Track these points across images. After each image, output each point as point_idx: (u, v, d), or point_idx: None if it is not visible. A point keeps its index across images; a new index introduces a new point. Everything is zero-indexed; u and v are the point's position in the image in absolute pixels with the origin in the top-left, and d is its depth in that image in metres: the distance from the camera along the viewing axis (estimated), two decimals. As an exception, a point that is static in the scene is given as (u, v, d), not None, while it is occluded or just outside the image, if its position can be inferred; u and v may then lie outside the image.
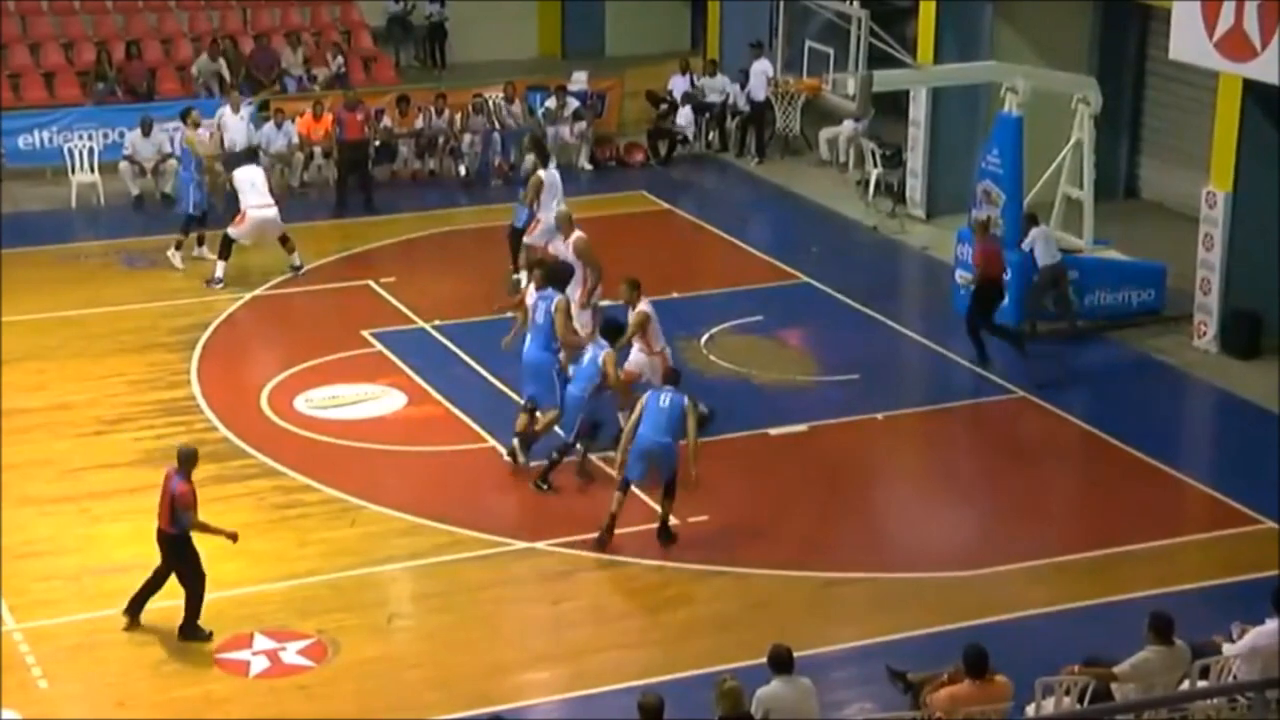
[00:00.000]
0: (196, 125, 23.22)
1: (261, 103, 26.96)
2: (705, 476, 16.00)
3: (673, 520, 15.80)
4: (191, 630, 14.21)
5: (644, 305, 17.48)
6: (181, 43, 28.85)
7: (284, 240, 22.21)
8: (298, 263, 22.22)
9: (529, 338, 17.35)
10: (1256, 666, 12.09)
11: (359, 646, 14.18)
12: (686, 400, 15.76)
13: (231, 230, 21.84)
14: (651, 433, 15.60)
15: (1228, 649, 12.46)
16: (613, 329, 17.26)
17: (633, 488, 15.75)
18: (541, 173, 21.08)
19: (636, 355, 17.45)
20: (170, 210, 24.94)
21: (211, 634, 14.20)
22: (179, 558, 14.17)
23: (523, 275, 20.68)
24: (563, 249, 19.28)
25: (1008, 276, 19.82)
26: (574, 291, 18.13)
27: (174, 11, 29.73)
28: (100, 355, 19.80)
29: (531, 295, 17.52)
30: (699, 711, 11.82)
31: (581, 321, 18.22)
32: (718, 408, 18.30)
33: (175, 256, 22.54)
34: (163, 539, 14.20)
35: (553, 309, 17.15)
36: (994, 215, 20.85)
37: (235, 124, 25.18)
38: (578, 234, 19.18)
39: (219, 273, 21.83)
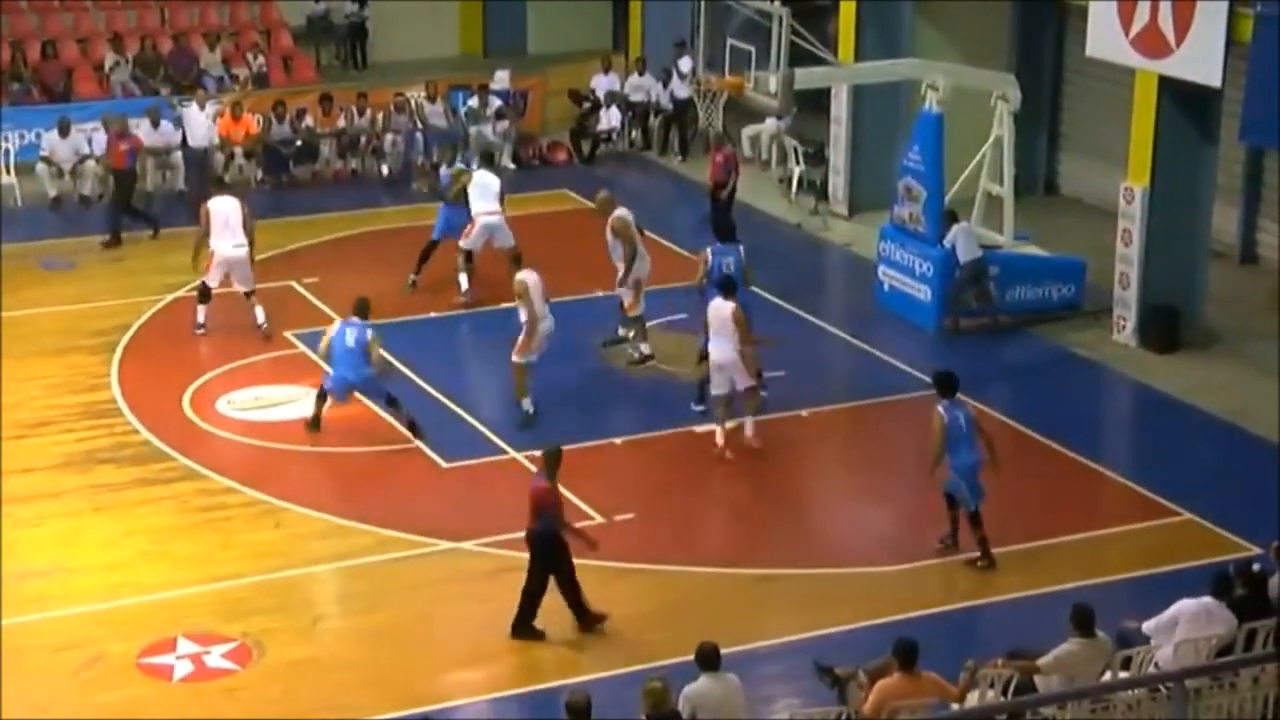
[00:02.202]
0: None
1: (179, 101, 26.81)
2: (631, 474, 16.02)
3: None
4: (525, 628, 14.16)
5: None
6: (99, 42, 28.53)
7: (248, 295, 20.20)
8: (260, 319, 20.18)
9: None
10: (1175, 635, 12.23)
11: (284, 649, 14.10)
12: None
13: (205, 277, 20.13)
14: None
15: (1147, 625, 12.60)
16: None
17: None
18: (476, 171, 21.42)
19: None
20: (88, 211, 24.84)
21: (544, 633, 14.15)
22: (545, 557, 14.08)
23: (463, 277, 21.01)
24: (507, 240, 20.82)
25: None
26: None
27: (91, 11, 29.42)
28: (19, 358, 19.56)
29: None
30: (627, 709, 11.83)
31: (625, 297, 19.37)
32: (642, 405, 18.39)
33: None
34: (529, 538, 14.16)
35: (743, 258, 18.37)
36: (914, 211, 21.02)
37: (201, 121, 24.87)
38: (616, 213, 19.65)
39: (200, 318, 20.22)
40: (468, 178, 21.34)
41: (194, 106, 25.10)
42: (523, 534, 15.56)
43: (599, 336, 20.37)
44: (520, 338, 17.82)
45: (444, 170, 22.26)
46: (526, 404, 17.99)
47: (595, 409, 18.81)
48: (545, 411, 18.73)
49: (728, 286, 17.51)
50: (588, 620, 14.23)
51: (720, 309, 17.18)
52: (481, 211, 21.03)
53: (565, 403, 18.90)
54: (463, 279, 21.19)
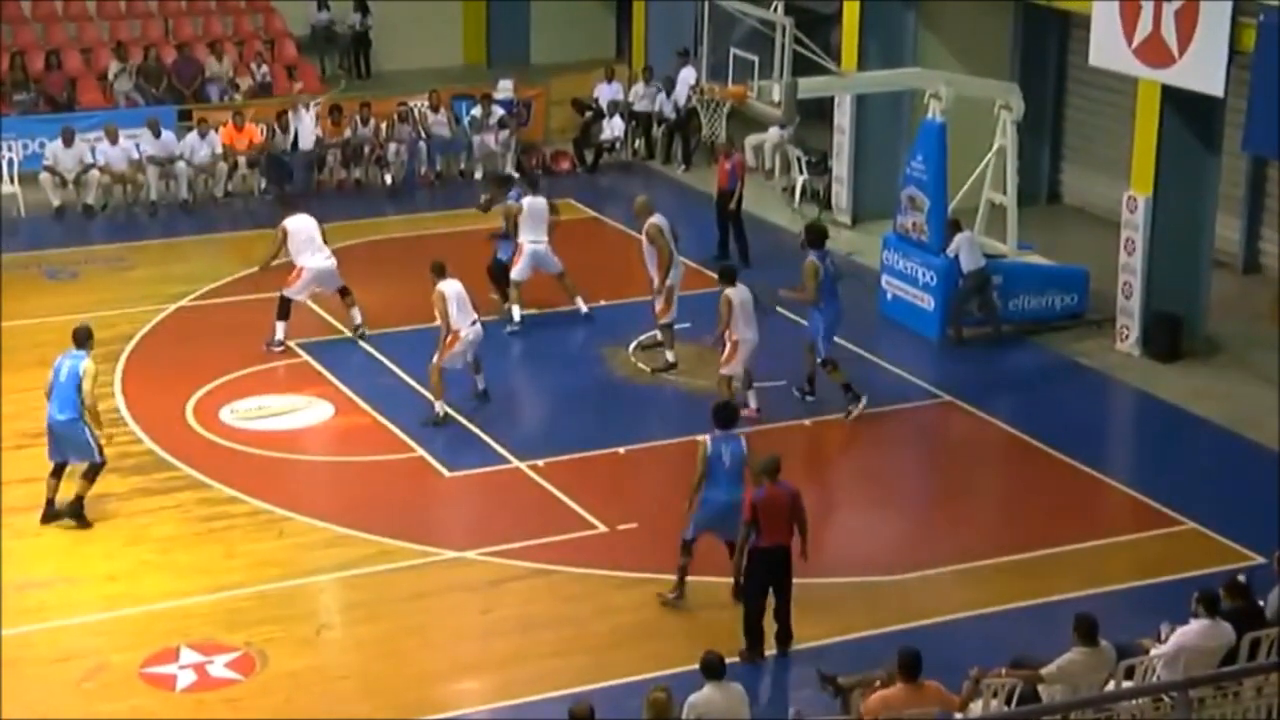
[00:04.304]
0: None
1: (183, 111, 26.90)
2: (634, 483, 16.00)
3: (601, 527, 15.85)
4: (787, 635, 14.13)
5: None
6: (102, 52, 28.60)
7: (344, 293, 20.46)
8: (358, 320, 20.42)
9: (830, 297, 18.58)
10: (1180, 667, 12.21)
11: (287, 658, 14.09)
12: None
13: (287, 290, 20.05)
14: None
15: (1154, 651, 12.58)
16: None
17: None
18: (525, 200, 20.90)
19: None
20: (92, 221, 24.88)
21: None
22: (787, 570, 13.99)
23: (515, 309, 20.53)
24: (554, 265, 20.70)
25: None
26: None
27: (95, 21, 29.47)
28: (21, 367, 19.55)
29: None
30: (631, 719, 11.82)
31: (657, 303, 19.52)
32: (646, 415, 18.37)
33: None
34: (788, 553, 13.94)
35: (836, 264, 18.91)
36: (918, 220, 21.01)
37: (308, 123, 25.34)
38: (650, 220, 19.70)
39: (280, 334, 20.04)
40: (518, 209, 20.84)
41: (302, 110, 25.57)
42: (517, 545, 15.65)
43: (603, 345, 20.39)
44: (442, 345, 18.17)
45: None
46: (440, 407, 18.16)
47: (599, 417, 18.81)
48: (549, 419, 18.78)
49: (731, 275, 18.29)
50: (787, 639, 14.15)
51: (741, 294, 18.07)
52: (529, 240, 20.65)
53: (569, 410, 18.93)
54: (515, 310, 20.69)
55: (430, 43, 31.88)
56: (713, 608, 14.78)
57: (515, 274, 20.77)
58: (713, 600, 14.92)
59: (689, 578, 14.97)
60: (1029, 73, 24.54)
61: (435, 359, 18.18)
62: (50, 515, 16.13)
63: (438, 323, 18.36)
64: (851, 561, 15.74)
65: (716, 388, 18.22)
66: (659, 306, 19.71)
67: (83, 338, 16.44)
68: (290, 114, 25.82)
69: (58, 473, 16.22)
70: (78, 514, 16.07)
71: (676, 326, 19.98)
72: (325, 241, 20.34)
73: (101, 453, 16.14)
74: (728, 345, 18.04)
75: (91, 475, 16.13)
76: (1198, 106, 19.55)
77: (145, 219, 25.20)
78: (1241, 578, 13.23)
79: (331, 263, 20.26)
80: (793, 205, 25.54)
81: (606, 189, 26.93)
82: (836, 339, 18.93)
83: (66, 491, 16.20)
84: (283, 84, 28.94)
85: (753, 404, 18.39)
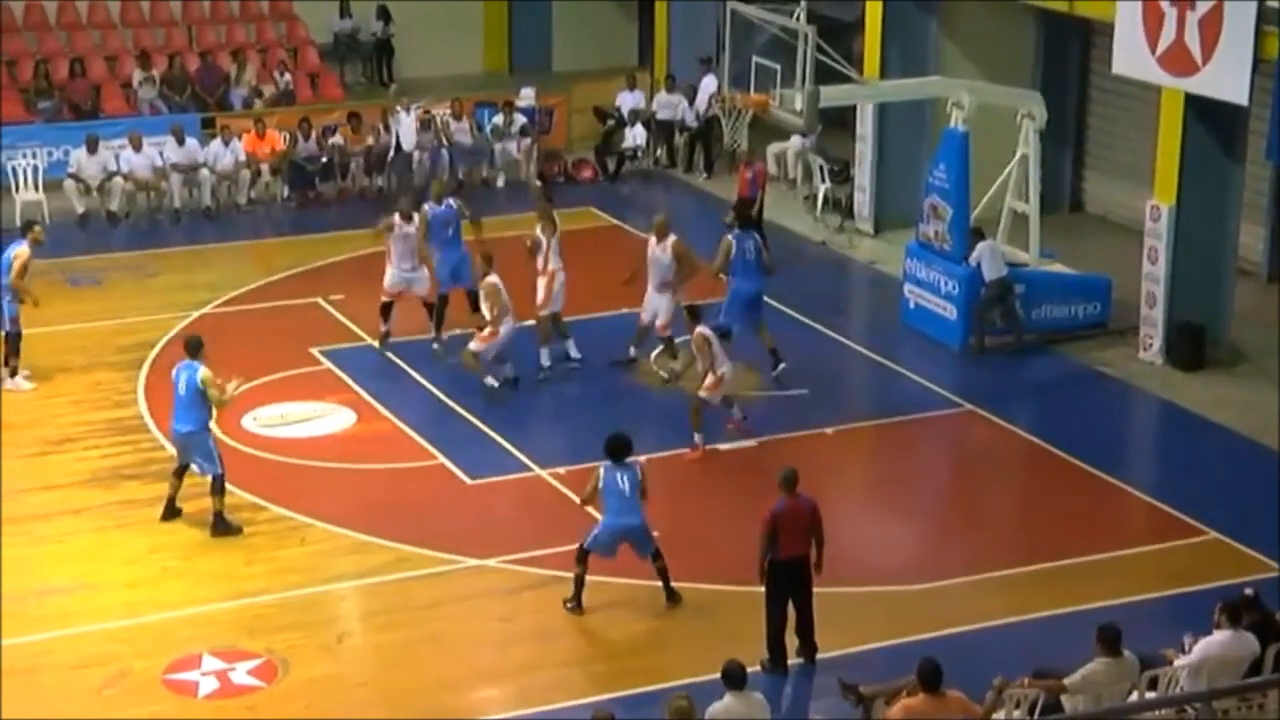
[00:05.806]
0: (38, 241, 19.98)
1: (207, 119, 26.99)
2: (655, 492, 16.01)
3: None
4: (812, 646, 14.14)
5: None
6: (126, 60, 28.69)
7: (427, 307, 20.35)
8: (382, 329, 20.37)
9: (742, 277, 19.47)
10: (1204, 677, 12.15)
11: (309, 665, 14.11)
12: None
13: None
14: None
15: (1178, 661, 12.53)
16: None
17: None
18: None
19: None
20: (115, 228, 24.95)
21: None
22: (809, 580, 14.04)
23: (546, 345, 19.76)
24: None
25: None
26: (661, 295, 19.71)
27: (118, 29, 29.57)
28: (45, 374, 19.63)
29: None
30: (650, 728, 11.81)
31: (666, 312, 19.67)
32: (667, 423, 18.37)
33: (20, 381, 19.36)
34: (807, 564, 13.97)
35: (761, 244, 19.83)
36: (940, 228, 20.98)
37: (408, 124, 25.92)
38: (674, 237, 19.78)
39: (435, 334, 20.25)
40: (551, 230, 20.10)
41: (403, 114, 26.04)
42: (537, 554, 15.64)
43: (621, 354, 20.36)
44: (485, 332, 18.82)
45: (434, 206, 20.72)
46: (510, 369, 19.14)
47: (620, 425, 18.71)
48: (565, 428, 18.76)
49: (696, 313, 18.37)
50: (811, 650, 14.16)
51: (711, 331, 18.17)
52: (561, 269, 19.97)
53: (591, 418, 18.88)
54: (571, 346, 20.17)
55: (452, 50, 31.92)
56: (733, 615, 14.76)
57: (552, 309, 19.82)
58: (733, 608, 14.90)
59: (705, 584, 14.97)
60: (1051, 81, 24.49)
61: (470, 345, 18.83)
62: (171, 513, 16.26)
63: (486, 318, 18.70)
64: (874, 571, 15.70)
65: (691, 408, 17.98)
66: (661, 321, 19.60)
67: (195, 347, 16.38)
68: (390, 117, 26.18)
69: (180, 473, 16.31)
70: (224, 526, 16.09)
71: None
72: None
73: (221, 463, 16.16)
74: (711, 378, 17.86)
75: (218, 488, 16.10)
76: (1221, 115, 19.50)
77: (168, 226, 25.29)
78: (1250, 591, 13.12)
79: (403, 275, 20.49)
80: (814, 214, 25.51)
81: (627, 197, 26.94)
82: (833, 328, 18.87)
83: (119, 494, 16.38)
84: (305, 92, 29.00)
85: (737, 414, 18.33)
